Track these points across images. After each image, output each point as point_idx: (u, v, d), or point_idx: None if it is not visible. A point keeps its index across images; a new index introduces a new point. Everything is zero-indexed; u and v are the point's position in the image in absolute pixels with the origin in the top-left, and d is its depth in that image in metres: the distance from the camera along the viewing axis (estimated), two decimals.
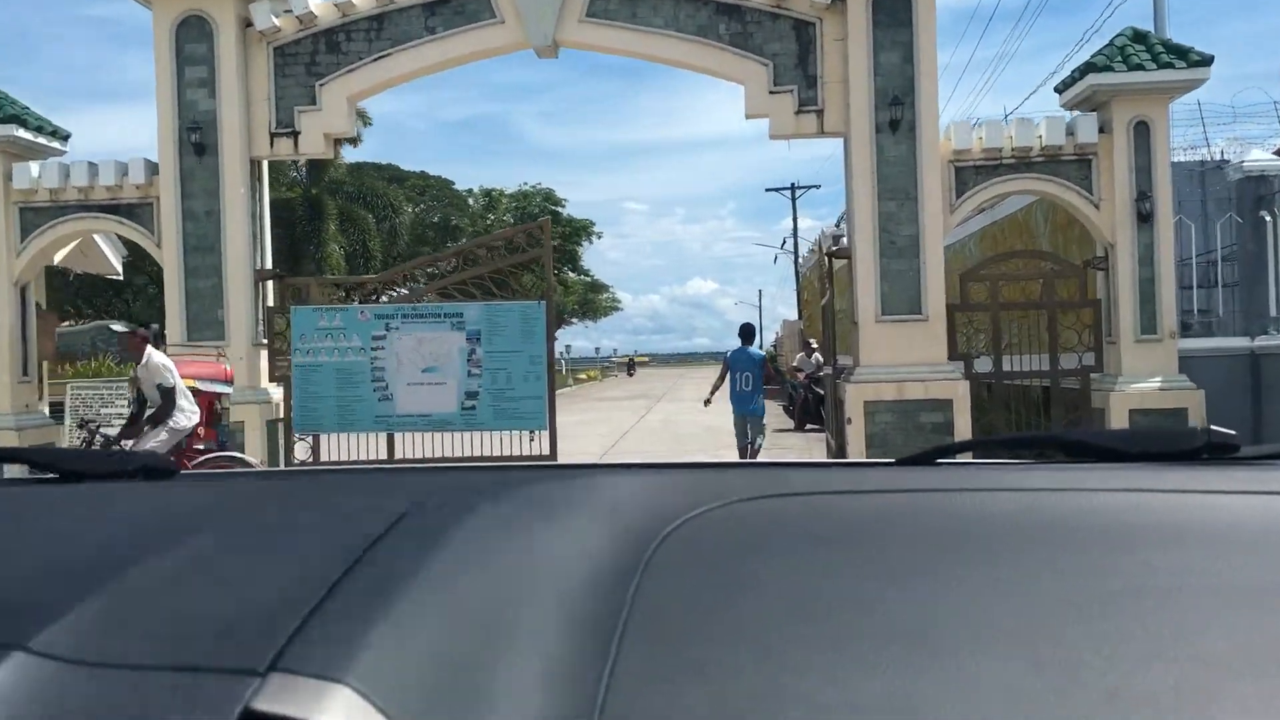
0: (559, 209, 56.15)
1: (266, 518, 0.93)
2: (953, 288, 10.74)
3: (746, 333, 11.25)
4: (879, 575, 0.71)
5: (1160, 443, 1.01)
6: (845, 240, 11.23)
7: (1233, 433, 1.01)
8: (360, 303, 11.04)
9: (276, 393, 10.84)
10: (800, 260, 45.46)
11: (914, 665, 0.60)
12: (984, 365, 10.79)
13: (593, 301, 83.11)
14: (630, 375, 74.71)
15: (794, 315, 45.26)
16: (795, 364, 20.30)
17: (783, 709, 0.58)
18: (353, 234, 27.36)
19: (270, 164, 11.31)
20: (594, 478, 0.97)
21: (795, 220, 47.70)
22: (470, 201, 57.07)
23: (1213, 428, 1.04)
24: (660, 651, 0.63)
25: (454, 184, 57.38)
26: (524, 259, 11.31)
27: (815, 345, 18.74)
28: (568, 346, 67.41)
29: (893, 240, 10.54)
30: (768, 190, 50.27)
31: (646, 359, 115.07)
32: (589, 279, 72.61)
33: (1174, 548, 0.74)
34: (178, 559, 0.74)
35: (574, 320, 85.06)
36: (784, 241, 50.86)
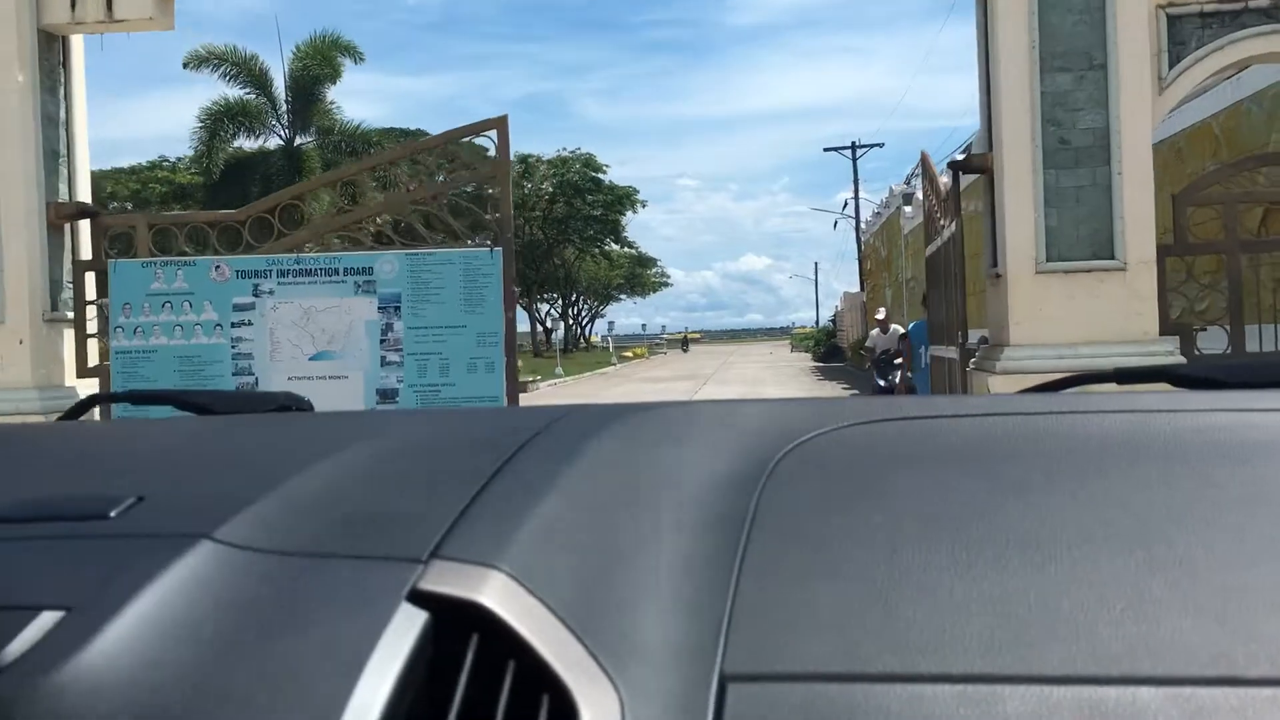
0: (600, 175, 52.13)
1: (413, 436, 0.96)
2: (1161, 216, 6.55)
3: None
4: (996, 488, 0.72)
5: (1267, 372, 1.03)
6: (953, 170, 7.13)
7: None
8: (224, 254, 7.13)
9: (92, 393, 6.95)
10: (862, 226, 40.99)
11: (1033, 565, 0.61)
12: (1215, 341, 6.60)
13: (640, 276, 79.18)
14: (685, 351, 72.70)
15: (854, 288, 41.05)
16: (868, 343, 15.43)
17: (908, 601, 0.59)
18: (342, 190, 23.49)
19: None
20: (717, 405, 1.00)
21: (856, 181, 43.11)
22: None
23: None
24: (787, 548, 0.65)
25: (487, 151, 53.62)
26: (467, 178, 7.30)
27: (884, 315, 14.56)
28: (611, 323, 63.77)
29: (1064, 138, 6.37)
30: (826, 150, 45.65)
31: (699, 335, 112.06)
32: (635, 252, 68.70)
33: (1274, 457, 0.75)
34: (340, 466, 0.79)
35: (622, 296, 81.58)
36: (845, 204, 46.28)
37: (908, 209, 27.41)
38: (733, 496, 0.72)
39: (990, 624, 0.57)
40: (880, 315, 14.69)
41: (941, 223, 7.85)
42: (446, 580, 0.57)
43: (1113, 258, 6.33)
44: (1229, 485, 0.70)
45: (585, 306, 75.13)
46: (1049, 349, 6.27)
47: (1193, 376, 1.09)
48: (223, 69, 21.99)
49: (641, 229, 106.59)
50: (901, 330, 13.80)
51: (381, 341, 6.85)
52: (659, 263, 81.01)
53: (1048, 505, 0.68)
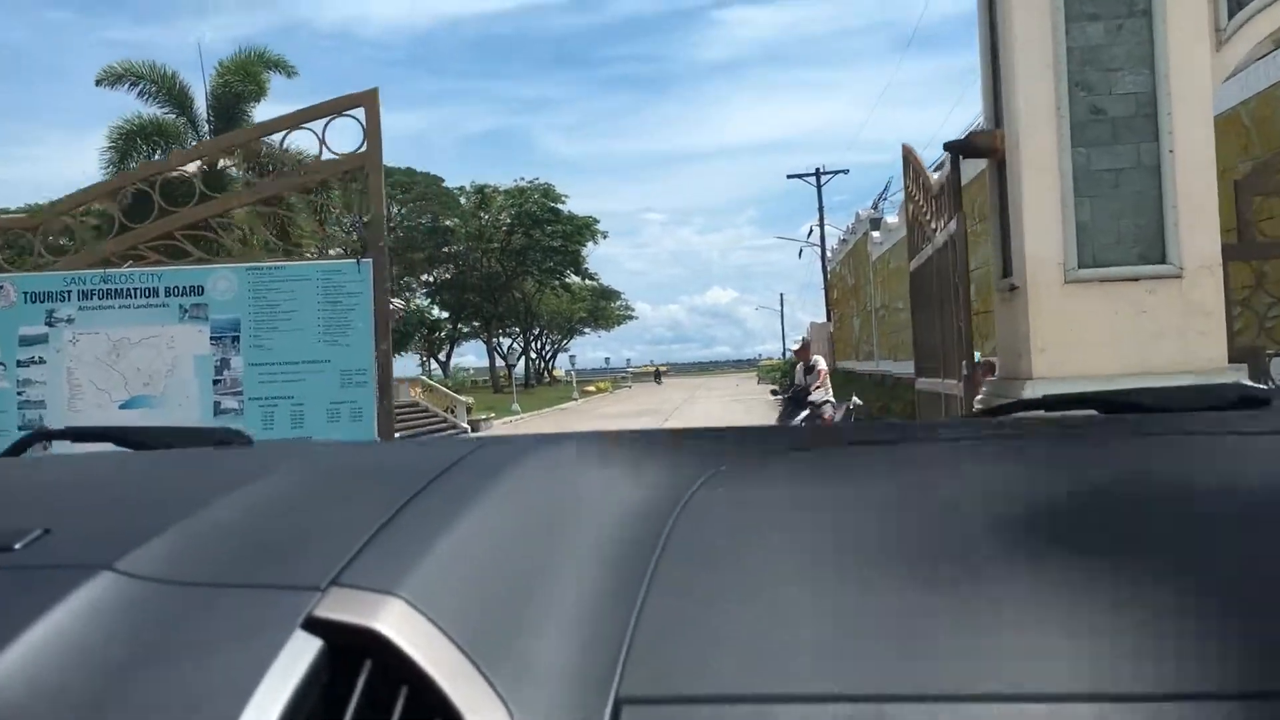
0: (559, 205, 50.68)
1: (340, 466, 0.98)
2: (1224, 208, 5.07)
3: None
4: (902, 513, 0.73)
5: (1197, 398, 1.09)
6: (942, 173, 5.61)
7: (1263, 386, 1.11)
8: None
9: None
10: (828, 254, 39.79)
11: (930, 585, 0.62)
12: None
13: (604, 309, 77.65)
14: (659, 384, 73.30)
15: (821, 318, 39.75)
16: (796, 379, 12.31)
17: (807, 624, 0.59)
18: (269, 216, 21.66)
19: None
20: (635, 435, 1.02)
21: (821, 206, 41.84)
22: (462, 200, 51.63)
23: (1244, 382, 1.14)
24: (694, 575, 0.65)
25: (443, 181, 51.93)
26: (330, 172, 5.71)
27: (800, 343, 12.10)
28: (572, 357, 62.11)
29: (1098, 107, 4.89)
30: (789, 177, 44.32)
31: (666, 368, 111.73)
32: (597, 284, 67.08)
33: (1184, 481, 0.78)
34: (251, 497, 0.79)
35: (586, 330, 79.87)
36: (810, 231, 45.02)
37: (876, 234, 26.21)
38: (645, 526, 0.73)
39: (884, 644, 0.57)
40: (796, 344, 12.36)
41: (932, 226, 6.34)
42: (343, 607, 0.57)
43: (1164, 261, 4.84)
44: (1130, 506, 0.72)
45: (548, 340, 73.62)
46: (1083, 383, 4.75)
47: (1117, 403, 1.12)
48: (140, 86, 20.30)
49: (608, 262, 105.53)
50: (823, 363, 11.84)
51: (215, 382, 5.22)
52: (623, 295, 79.73)
53: (950, 528, 0.70)
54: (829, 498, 0.78)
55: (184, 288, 5.30)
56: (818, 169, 42.50)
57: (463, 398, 30.78)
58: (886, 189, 31.90)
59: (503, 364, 56.58)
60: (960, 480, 0.80)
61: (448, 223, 50.99)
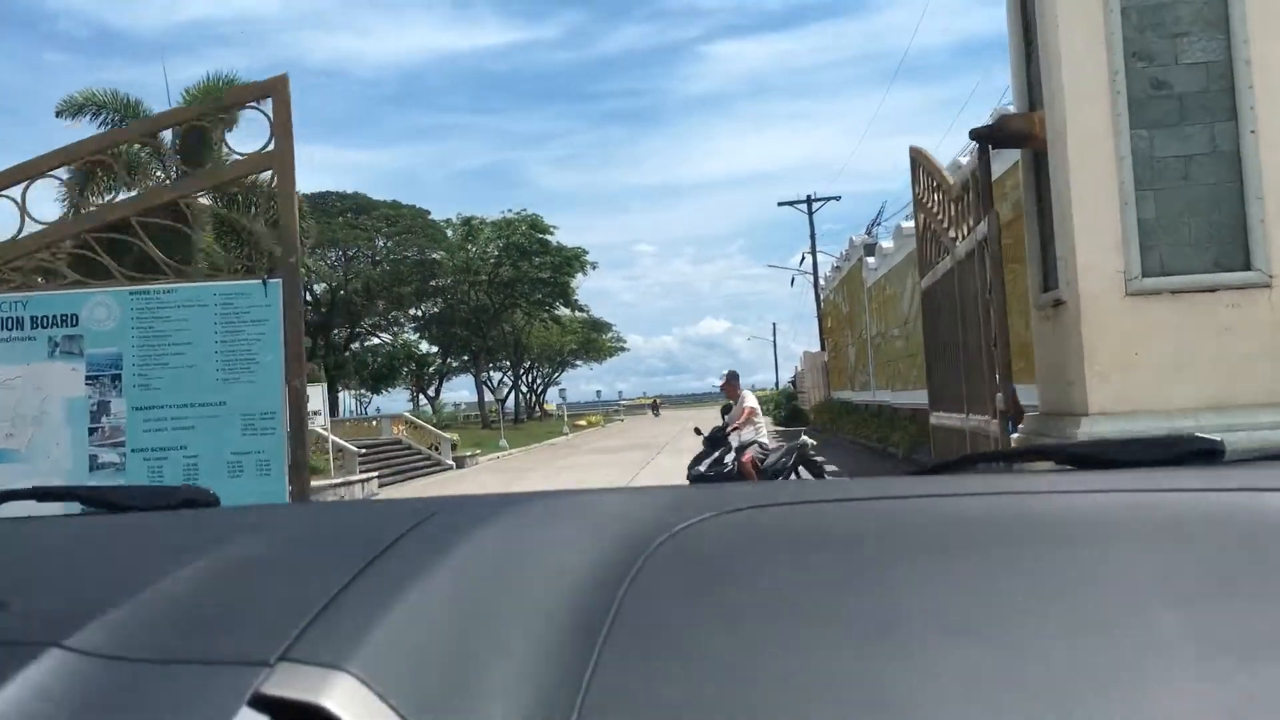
0: (547, 236, 49.86)
1: (295, 533, 0.99)
2: None
3: None
4: (855, 573, 0.73)
5: (1149, 450, 1.06)
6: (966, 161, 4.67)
7: (1217, 439, 1.04)
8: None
9: None
10: (821, 282, 39.01)
11: (878, 648, 0.63)
12: None
13: (595, 341, 76.61)
14: (656, 416, 72.21)
15: (815, 347, 38.92)
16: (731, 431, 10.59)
17: (755, 685, 0.61)
18: (236, 248, 20.47)
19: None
20: (592, 495, 1.02)
21: (813, 234, 41.15)
22: (449, 233, 50.76)
23: (1196, 434, 1.08)
24: (646, 639, 0.66)
25: (429, 213, 51.06)
26: (234, 174, 4.81)
27: (725, 376, 10.91)
28: (562, 390, 61.16)
29: (1160, 80, 4.01)
30: (780, 204, 43.60)
31: (659, 400, 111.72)
32: (587, 316, 66.10)
33: (1138, 541, 0.77)
34: (204, 567, 0.79)
35: (578, 362, 78.75)
36: (802, 258, 44.20)
37: (871, 260, 25.38)
38: (599, 589, 0.72)
39: (828, 706, 0.59)
40: (721, 379, 11.19)
41: (950, 235, 5.43)
42: (291, 684, 0.57)
43: (1249, 267, 3.93)
44: (1078, 566, 0.71)
45: (539, 374, 72.70)
46: (1153, 419, 3.82)
47: (1081, 455, 1.11)
48: (103, 116, 19.39)
49: (600, 295, 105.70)
50: (751, 400, 10.57)
51: (92, 431, 4.29)
52: (614, 327, 78.76)
53: (901, 591, 0.70)
54: (776, 561, 0.77)
55: (55, 317, 4.38)
56: (809, 196, 41.84)
57: (448, 435, 29.86)
58: (880, 213, 31.18)
59: (492, 399, 55.55)
60: (911, 543, 0.79)
61: (434, 255, 50.12)
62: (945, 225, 5.60)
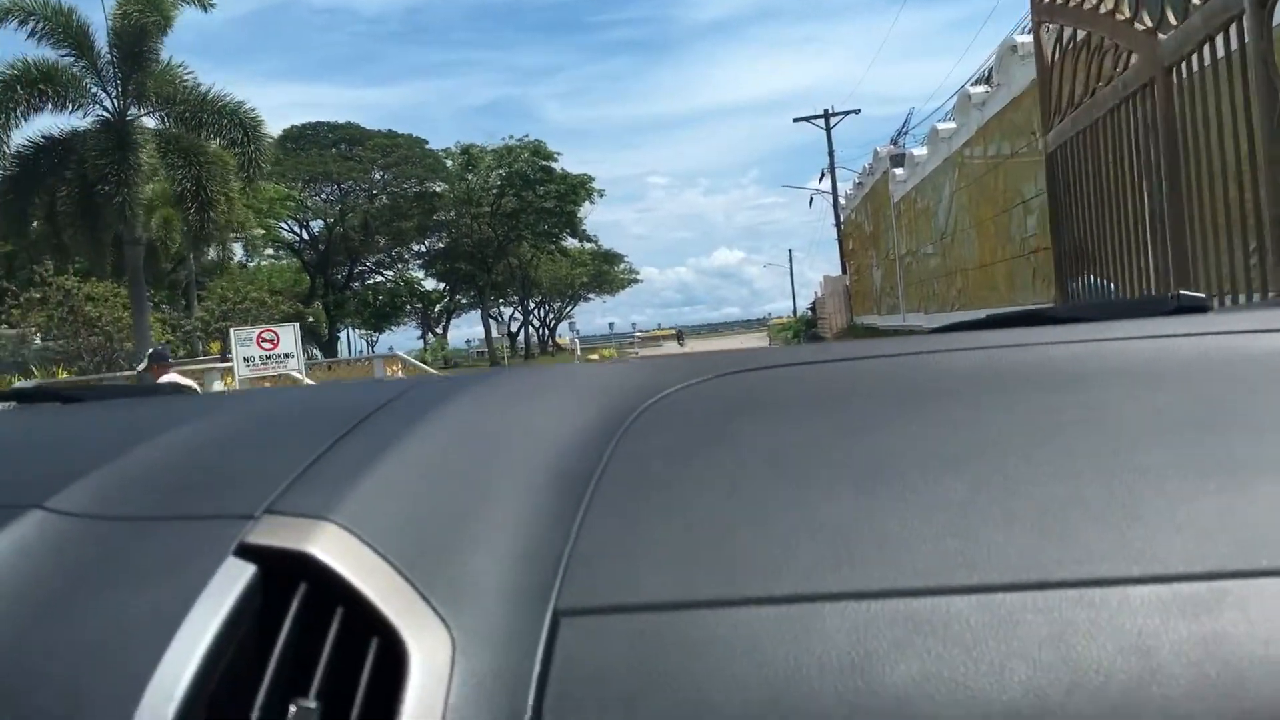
0: (551, 164, 47.43)
1: (275, 408, 0.98)
2: None
3: None
4: (842, 426, 0.74)
5: (1133, 308, 1.06)
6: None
7: (1203, 295, 1.04)
8: None
9: None
10: (841, 201, 36.67)
11: (864, 492, 0.64)
12: None
13: (607, 274, 74.21)
14: (681, 345, 69.71)
15: (835, 271, 36.74)
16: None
17: (741, 534, 0.61)
18: (183, 169, 18.24)
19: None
20: (579, 367, 1.02)
21: (831, 151, 38.70)
22: (448, 163, 48.35)
23: (1183, 292, 1.07)
24: (632, 495, 0.66)
25: (426, 142, 48.62)
26: None
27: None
28: (573, 323, 59.33)
29: None
30: (796, 120, 41.02)
31: (672, 331, 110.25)
32: (598, 248, 63.71)
33: (1130, 382, 0.77)
34: (188, 435, 0.80)
35: (591, 296, 76.49)
36: (821, 176, 41.75)
37: (899, 171, 23.06)
38: (585, 451, 0.72)
39: (816, 548, 0.59)
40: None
41: (1119, 53, 3.28)
42: (276, 533, 0.57)
43: None
44: (1063, 409, 0.71)
45: (550, 308, 70.79)
46: None
47: (1060, 317, 1.12)
48: (30, 24, 17.21)
49: (612, 228, 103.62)
50: (184, 380, 8.08)
51: None
52: (626, 259, 76.37)
53: (890, 438, 0.71)
54: (765, 416, 0.77)
55: None
56: (826, 110, 39.30)
57: (447, 374, 28.02)
58: (907, 122, 28.78)
59: (499, 335, 53.68)
60: (891, 393, 0.80)
61: (435, 188, 47.77)
62: (1103, 45, 3.44)
